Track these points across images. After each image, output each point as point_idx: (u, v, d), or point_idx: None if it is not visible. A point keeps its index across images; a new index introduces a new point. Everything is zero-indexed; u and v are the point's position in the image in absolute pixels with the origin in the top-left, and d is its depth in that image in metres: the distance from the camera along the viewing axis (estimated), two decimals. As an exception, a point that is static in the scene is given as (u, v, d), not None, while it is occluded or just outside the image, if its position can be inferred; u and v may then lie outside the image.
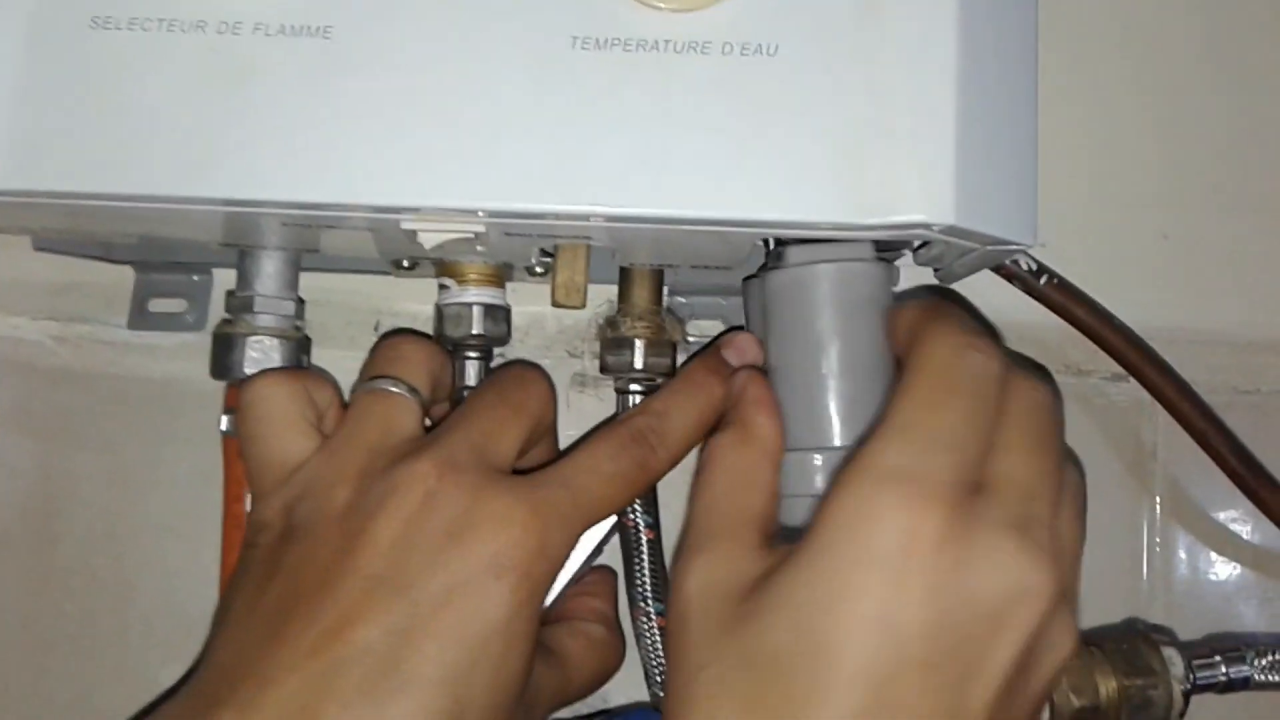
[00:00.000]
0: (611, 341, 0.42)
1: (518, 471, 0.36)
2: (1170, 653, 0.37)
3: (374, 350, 0.39)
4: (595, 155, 0.34)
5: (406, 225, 0.35)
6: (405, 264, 0.42)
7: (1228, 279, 0.50)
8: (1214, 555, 0.49)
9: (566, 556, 0.35)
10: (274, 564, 0.34)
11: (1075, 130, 0.50)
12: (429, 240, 0.35)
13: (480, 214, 0.34)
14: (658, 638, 0.41)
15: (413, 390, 0.37)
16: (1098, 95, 0.50)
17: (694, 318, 0.47)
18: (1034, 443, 0.33)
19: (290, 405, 0.36)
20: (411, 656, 0.32)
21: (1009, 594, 0.29)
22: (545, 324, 0.48)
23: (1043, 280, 0.45)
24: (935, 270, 0.42)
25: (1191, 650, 0.38)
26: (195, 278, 0.46)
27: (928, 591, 0.29)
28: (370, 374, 0.37)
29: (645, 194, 0.34)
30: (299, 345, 0.40)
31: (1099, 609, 0.48)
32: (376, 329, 0.47)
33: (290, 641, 0.32)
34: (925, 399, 0.32)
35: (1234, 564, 0.49)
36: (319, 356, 0.45)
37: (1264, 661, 0.38)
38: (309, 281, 0.44)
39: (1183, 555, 0.49)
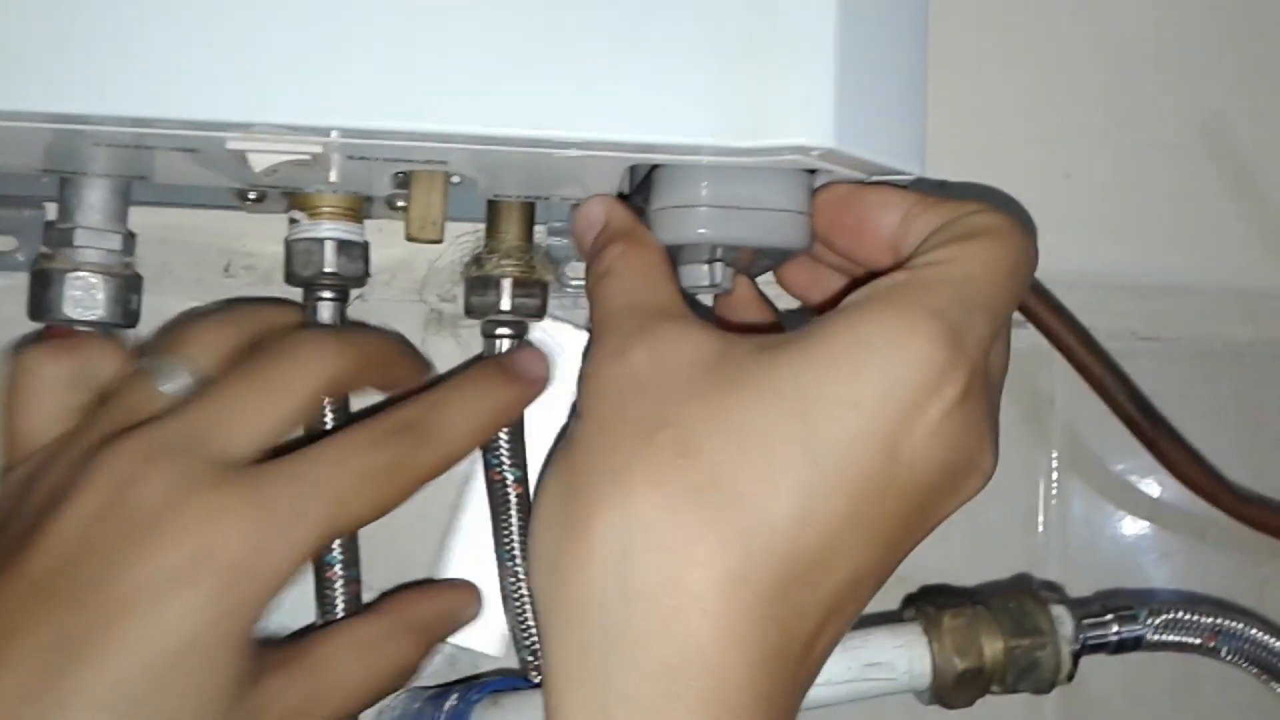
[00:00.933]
0: (476, 280, 0.39)
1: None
2: (1059, 611, 0.35)
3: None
4: (443, 65, 0.31)
5: (233, 145, 0.31)
6: (251, 196, 0.39)
7: (1132, 220, 0.49)
8: (1112, 508, 0.48)
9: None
10: None
11: (974, 65, 0.48)
12: (259, 163, 0.32)
13: (315, 132, 0.31)
14: (526, 600, 0.38)
15: (184, 371, 0.33)
16: (999, 29, 0.48)
17: (574, 259, 0.44)
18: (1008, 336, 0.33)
19: (52, 384, 0.33)
20: (77, 674, 0.28)
21: (974, 471, 0.30)
22: (414, 266, 0.44)
23: (939, 219, 0.43)
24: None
25: (1082, 609, 0.36)
26: (26, 213, 0.42)
27: (927, 437, 0.28)
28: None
29: (501, 111, 0.31)
30: (126, 283, 0.37)
31: (992, 563, 0.46)
32: (227, 270, 0.44)
33: None
34: (991, 267, 0.30)
35: (1133, 517, 0.48)
36: (163, 303, 0.42)
37: (1158, 620, 0.36)
38: (150, 217, 0.40)
39: (1080, 508, 0.47)
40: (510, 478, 0.38)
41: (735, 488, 0.27)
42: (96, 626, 0.28)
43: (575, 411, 0.31)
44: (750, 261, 0.37)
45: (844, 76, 0.31)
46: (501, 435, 0.38)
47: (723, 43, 0.31)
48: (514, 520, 0.39)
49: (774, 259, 0.37)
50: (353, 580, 0.37)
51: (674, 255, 0.34)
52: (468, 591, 0.39)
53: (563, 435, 0.33)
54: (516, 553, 0.38)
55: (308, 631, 0.37)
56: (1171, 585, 0.48)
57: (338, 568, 0.37)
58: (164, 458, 0.30)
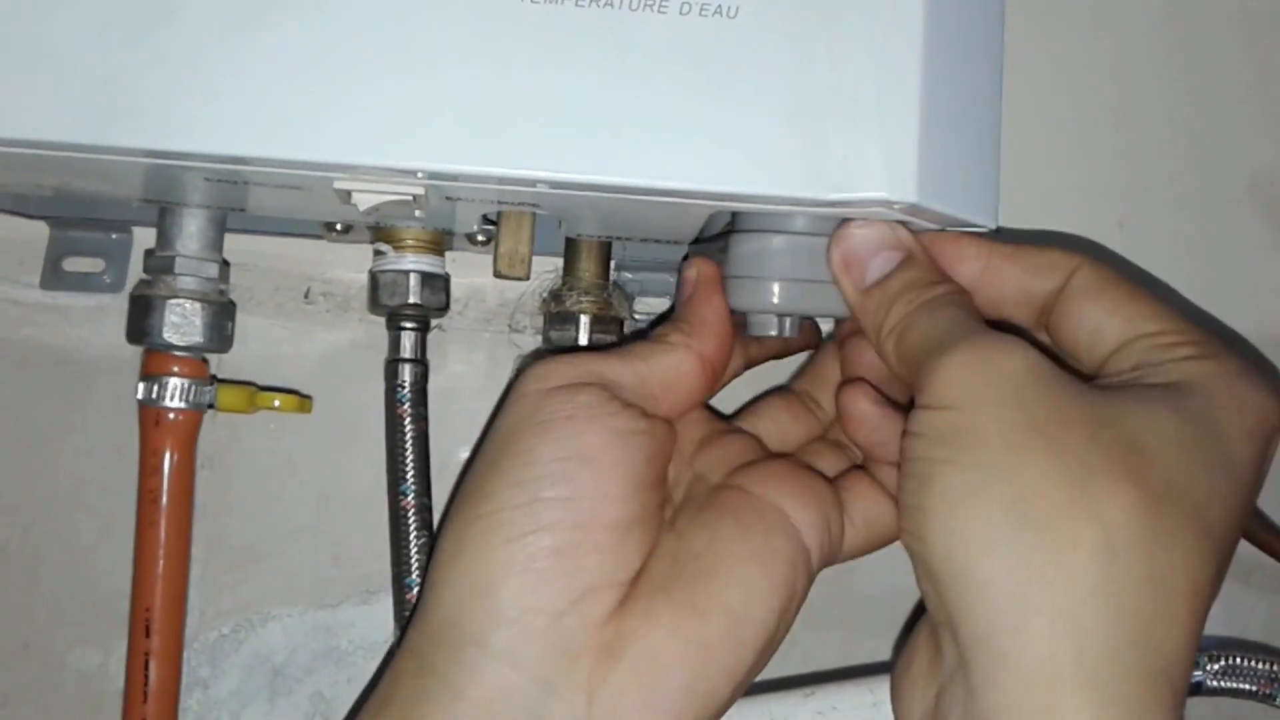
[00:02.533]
0: (556, 316, 0.40)
1: None
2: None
3: None
4: (543, 116, 0.32)
5: (339, 185, 0.32)
6: (339, 227, 0.40)
7: (1183, 270, 0.49)
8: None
9: None
10: None
11: (1036, 114, 0.49)
12: (364, 202, 0.33)
13: (419, 175, 0.32)
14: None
15: None
16: (1061, 80, 0.49)
17: (642, 294, 0.45)
18: None
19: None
20: None
21: None
22: (485, 296, 0.46)
23: (999, 266, 0.44)
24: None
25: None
26: (114, 236, 0.44)
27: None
28: None
29: (595, 160, 0.32)
30: (222, 309, 0.38)
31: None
32: (307, 296, 0.45)
33: None
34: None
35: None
36: (245, 324, 0.43)
37: (1216, 667, 0.37)
38: (234, 244, 0.42)
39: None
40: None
41: (1187, 491, 0.27)
42: None
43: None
44: None
45: (927, 133, 0.32)
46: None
47: (809, 98, 0.32)
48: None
49: None
50: (424, 508, 0.40)
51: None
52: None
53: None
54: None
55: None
56: (1214, 628, 0.48)
57: (410, 497, 0.39)
58: None
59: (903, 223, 0.34)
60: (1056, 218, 0.49)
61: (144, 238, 0.43)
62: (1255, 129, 0.50)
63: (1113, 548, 0.27)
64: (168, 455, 0.37)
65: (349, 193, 0.33)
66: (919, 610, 0.46)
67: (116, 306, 0.43)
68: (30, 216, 0.43)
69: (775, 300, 0.34)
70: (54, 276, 0.43)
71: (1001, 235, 0.47)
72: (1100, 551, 0.27)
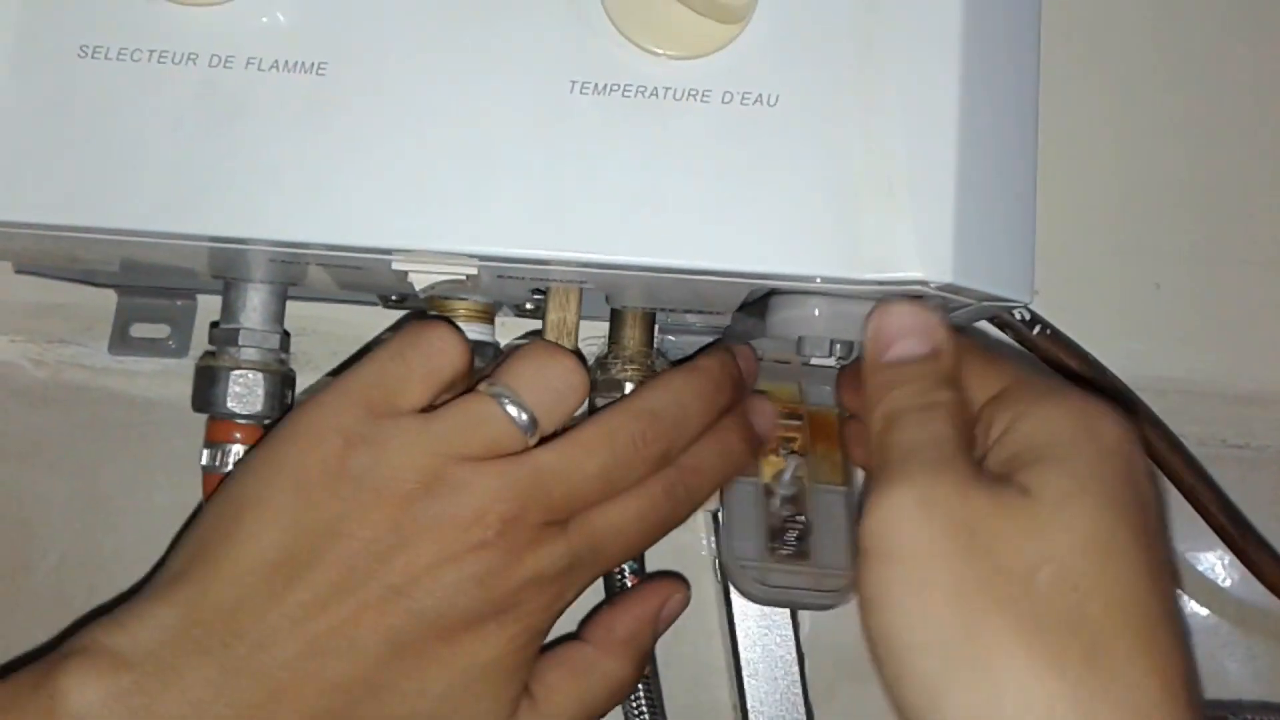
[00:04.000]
0: (602, 383, 0.41)
1: None
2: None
3: (519, 353, 0.36)
4: (591, 201, 0.33)
5: (398, 266, 0.34)
6: (395, 297, 0.42)
7: (1219, 330, 0.50)
8: (1199, 610, 0.49)
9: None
10: (312, 502, 0.33)
11: (1069, 178, 0.50)
12: (420, 281, 0.34)
13: (472, 258, 0.33)
14: (639, 688, 0.40)
15: (528, 424, 0.34)
16: (1092, 144, 0.50)
17: (684, 358, 0.46)
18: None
19: (444, 372, 0.35)
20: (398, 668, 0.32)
21: None
22: (533, 359, 0.47)
23: (1035, 330, 0.45)
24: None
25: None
26: (179, 303, 0.46)
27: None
28: (503, 379, 0.35)
29: (641, 243, 0.33)
30: (283, 379, 0.40)
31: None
32: (361, 359, 0.47)
33: (291, 611, 0.32)
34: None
35: (1219, 619, 0.49)
36: (302, 384, 0.45)
37: (1250, 729, 0.37)
38: (292, 309, 0.43)
39: (1169, 608, 0.48)
40: (627, 569, 0.41)
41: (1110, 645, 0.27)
42: (427, 638, 0.33)
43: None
44: None
45: (962, 212, 0.33)
46: None
47: (846, 180, 0.33)
48: None
49: None
50: None
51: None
52: (666, 588, 0.39)
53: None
54: None
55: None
56: (1257, 688, 0.49)
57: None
58: (520, 518, 0.33)
59: (943, 300, 0.35)
60: (1092, 282, 0.49)
61: (208, 303, 0.45)
62: (1292, 186, 0.51)
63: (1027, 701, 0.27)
64: (230, 519, 0.39)
65: (406, 273, 0.34)
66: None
67: (181, 370, 0.45)
68: (99, 285, 0.45)
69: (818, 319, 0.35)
70: (121, 342, 0.45)
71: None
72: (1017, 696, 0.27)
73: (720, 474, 0.37)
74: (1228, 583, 0.49)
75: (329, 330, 0.46)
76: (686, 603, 0.39)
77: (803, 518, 0.39)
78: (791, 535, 0.38)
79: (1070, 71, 0.50)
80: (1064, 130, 0.50)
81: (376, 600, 0.32)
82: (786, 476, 0.39)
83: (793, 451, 0.40)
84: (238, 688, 0.31)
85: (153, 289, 0.45)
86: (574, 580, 0.35)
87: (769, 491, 0.40)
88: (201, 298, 0.46)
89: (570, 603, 0.35)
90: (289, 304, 0.42)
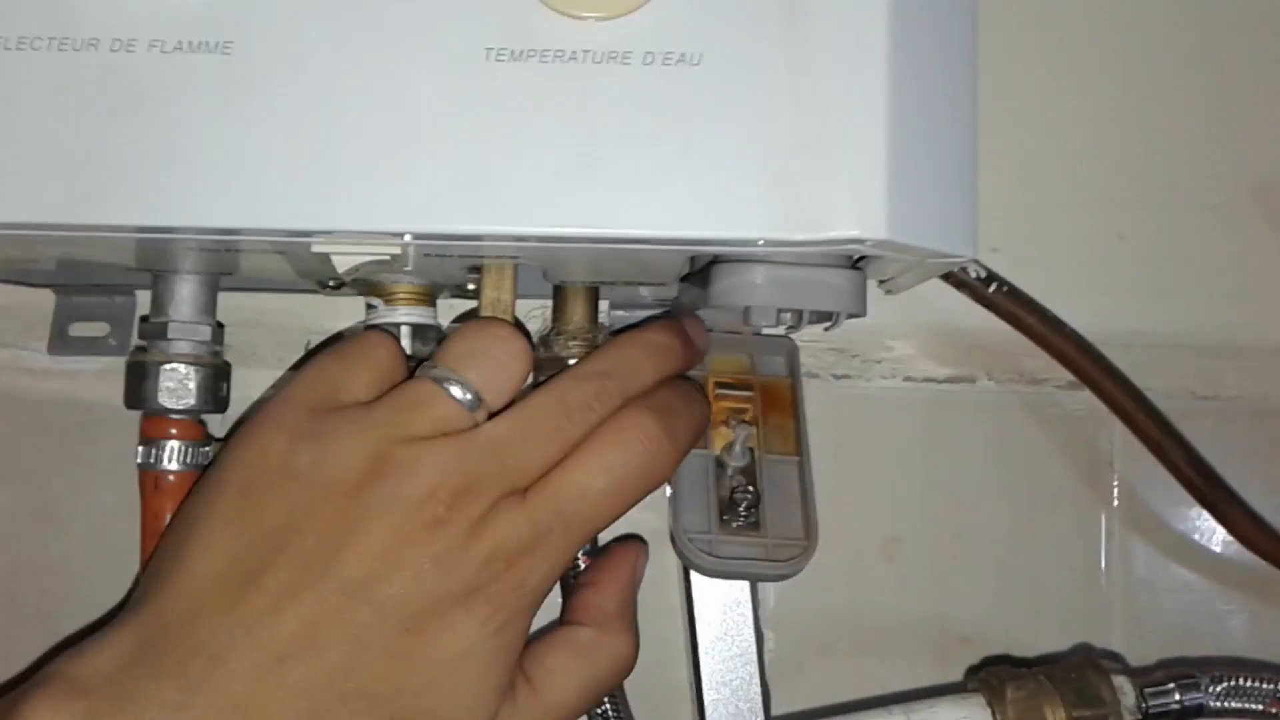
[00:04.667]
0: (546, 361, 0.40)
1: None
2: (1121, 681, 0.36)
3: (455, 334, 0.35)
4: (514, 173, 0.32)
5: (318, 249, 0.33)
6: (331, 283, 0.41)
7: (1186, 281, 0.49)
8: (1174, 567, 0.48)
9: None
10: (258, 503, 0.32)
11: (1027, 130, 0.49)
12: (343, 264, 0.33)
13: (400, 237, 0.32)
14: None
15: (472, 401, 0.33)
16: (1051, 94, 0.49)
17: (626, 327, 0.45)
18: None
19: (383, 362, 0.34)
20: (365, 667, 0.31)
21: None
22: (483, 341, 0.46)
23: (992, 288, 0.44)
24: (880, 282, 0.40)
25: (1144, 678, 0.36)
26: (118, 300, 0.45)
27: None
28: (442, 360, 0.34)
29: (567, 213, 0.32)
30: (217, 372, 0.39)
31: (1056, 623, 0.47)
32: (307, 348, 0.46)
33: (245, 618, 0.31)
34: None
35: (1195, 575, 0.48)
36: (248, 377, 0.44)
37: (1220, 688, 0.36)
38: (234, 301, 0.42)
39: (1141, 567, 0.48)
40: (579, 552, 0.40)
41: None
42: (389, 630, 0.31)
43: None
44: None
45: (895, 169, 0.32)
46: None
47: (777, 140, 0.32)
48: None
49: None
50: None
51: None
52: (630, 551, 0.38)
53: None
54: None
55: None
56: (1236, 642, 0.48)
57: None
58: (474, 490, 0.32)
59: (879, 257, 0.34)
60: (1053, 236, 0.48)
61: (147, 300, 0.44)
62: (1258, 134, 0.50)
63: None
64: (168, 517, 0.38)
65: (328, 255, 0.33)
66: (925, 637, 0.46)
67: (123, 368, 0.43)
68: (35, 285, 0.44)
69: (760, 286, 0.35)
70: (61, 342, 0.44)
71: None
72: None
73: (689, 414, 0.36)
74: (1204, 539, 0.48)
75: (272, 321, 0.46)
76: (646, 559, 0.38)
77: (753, 488, 0.38)
78: (742, 506, 0.37)
79: (1024, 21, 0.49)
80: (1020, 82, 0.49)
81: (334, 596, 0.31)
82: (737, 448, 0.39)
83: (743, 422, 0.39)
84: (196, 706, 0.30)
85: (90, 287, 0.44)
86: (544, 555, 0.32)
87: (720, 464, 0.39)
88: (141, 293, 0.45)
89: (549, 583, 0.33)
90: (231, 296, 0.42)
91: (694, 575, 0.40)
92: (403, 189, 0.32)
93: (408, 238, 0.32)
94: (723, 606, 0.40)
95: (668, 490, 0.40)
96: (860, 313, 0.36)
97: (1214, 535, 0.48)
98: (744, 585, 0.40)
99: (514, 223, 0.32)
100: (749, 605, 0.40)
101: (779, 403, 0.41)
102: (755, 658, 0.39)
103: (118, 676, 0.31)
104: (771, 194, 0.32)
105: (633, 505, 0.34)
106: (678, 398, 0.36)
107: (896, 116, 0.33)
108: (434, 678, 0.31)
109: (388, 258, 0.33)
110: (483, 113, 0.32)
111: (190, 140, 0.32)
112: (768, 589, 0.44)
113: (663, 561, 0.42)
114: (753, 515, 0.37)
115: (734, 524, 0.37)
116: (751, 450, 0.39)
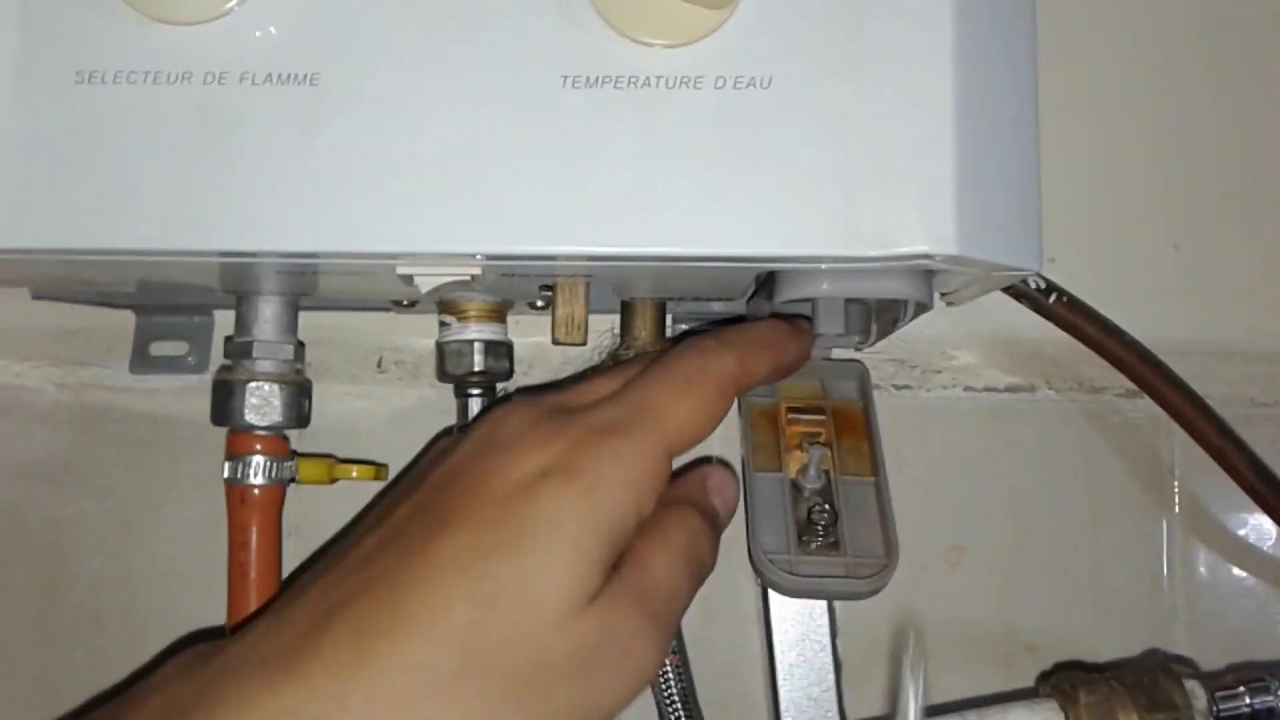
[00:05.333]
0: (614, 376, 0.41)
1: None
2: (1192, 685, 0.36)
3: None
4: (590, 195, 0.33)
5: (402, 270, 0.34)
6: (405, 302, 0.42)
7: (1241, 289, 0.49)
8: (1236, 571, 0.48)
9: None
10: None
11: (1083, 143, 0.49)
12: (425, 284, 0.35)
13: (476, 257, 0.33)
14: (670, 677, 0.40)
15: None
16: (1105, 108, 0.50)
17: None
18: None
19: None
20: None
21: None
22: (550, 356, 0.47)
23: (1052, 299, 0.45)
24: (942, 294, 0.41)
25: (1214, 681, 0.37)
26: (196, 320, 0.46)
27: None
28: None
29: (641, 233, 0.33)
30: (299, 389, 0.40)
31: (1120, 629, 0.47)
32: (379, 365, 0.47)
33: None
34: None
35: (1257, 579, 0.48)
36: (321, 392, 0.45)
37: (1294, 690, 0.37)
38: (309, 319, 0.43)
39: (1204, 572, 0.48)
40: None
41: None
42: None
43: None
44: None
45: (963, 184, 0.33)
46: None
47: (846, 158, 0.33)
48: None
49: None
50: None
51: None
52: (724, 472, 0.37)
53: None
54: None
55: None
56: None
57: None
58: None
59: (944, 271, 0.35)
60: (1109, 247, 0.49)
61: (224, 319, 0.46)
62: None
63: None
64: (254, 530, 0.39)
65: (411, 276, 0.34)
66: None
67: (202, 386, 0.45)
68: (117, 306, 0.45)
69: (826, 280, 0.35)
70: (141, 361, 0.46)
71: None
72: None
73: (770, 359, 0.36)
74: (1266, 543, 0.48)
75: (345, 339, 0.47)
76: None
77: (830, 508, 0.38)
78: (820, 526, 0.38)
79: (1084, 32, 0.49)
80: (1077, 95, 0.49)
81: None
82: (811, 470, 0.39)
83: (816, 444, 0.40)
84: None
85: (170, 307, 0.45)
86: (632, 440, 0.31)
87: (796, 487, 0.39)
88: (218, 313, 0.46)
89: (640, 471, 0.31)
90: (306, 314, 0.43)
91: (773, 602, 0.40)
92: (483, 212, 0.33)
93: (482, 259, 0.33)
94: (800, 634, 0.40)
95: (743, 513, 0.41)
96: (928, 303, 0.36)
97: (1276, 540, 0.48)
98: (822, 612, 0.40)
99: (588, 243, 0.33)
100: (827, 632, 0.40)
101: (852, 425, 0.41)
102: (833, 685, 0.39)
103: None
104: (840, 212, 0.33)
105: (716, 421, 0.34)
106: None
107: (962, 133, 0.33)
108: (523, 541, 0.30)
109: (468, 278, 0.35)
110: (558, 137, 0.33)
111: (278, 168, 0.33)
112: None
113: (736, 571, 0.43)
114: (831, 535, 0.38)
115: (812, 544, 0.38)
116: (827, 472, 0.40)
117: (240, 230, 0.33)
